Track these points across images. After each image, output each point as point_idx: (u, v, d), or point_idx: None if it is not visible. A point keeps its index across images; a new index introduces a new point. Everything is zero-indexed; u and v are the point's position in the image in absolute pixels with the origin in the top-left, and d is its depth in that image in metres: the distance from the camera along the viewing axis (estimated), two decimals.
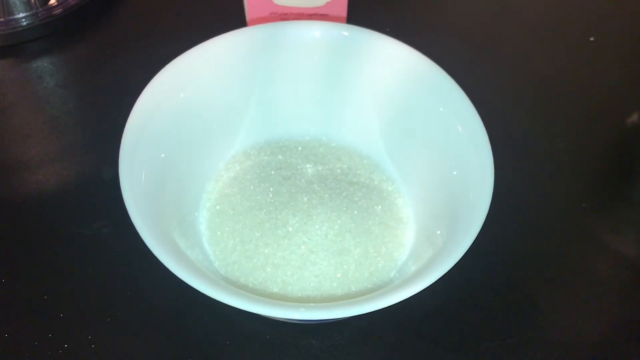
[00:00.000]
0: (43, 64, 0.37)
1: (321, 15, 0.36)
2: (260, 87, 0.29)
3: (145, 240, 0.21)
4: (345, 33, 0.28)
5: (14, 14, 0.38)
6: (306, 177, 0.29)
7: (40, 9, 0.38)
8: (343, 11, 0.35)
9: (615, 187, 0.33)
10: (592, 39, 0.40)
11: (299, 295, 0.25)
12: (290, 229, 0.26)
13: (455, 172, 0.25)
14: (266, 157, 0.30)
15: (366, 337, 0.26)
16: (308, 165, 0.29)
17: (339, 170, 0.29)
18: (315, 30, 0.28)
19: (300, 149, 0.30)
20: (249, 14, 0.35)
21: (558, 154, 0.34)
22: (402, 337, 0.26)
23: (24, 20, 0.37)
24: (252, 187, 0.28)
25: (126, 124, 0.24)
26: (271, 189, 0.28)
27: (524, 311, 0.28)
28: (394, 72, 0.28)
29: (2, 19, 0.37)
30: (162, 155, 0.25)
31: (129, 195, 0.22)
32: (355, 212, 0.27)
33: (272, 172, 0.29)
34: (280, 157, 0.30)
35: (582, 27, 0.41)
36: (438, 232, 0.25)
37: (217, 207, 0.28)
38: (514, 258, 0.29)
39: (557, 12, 0.42)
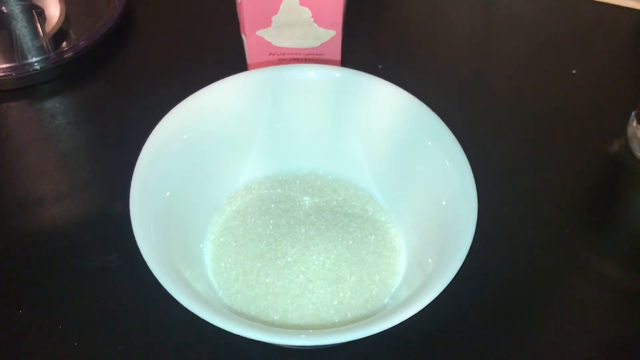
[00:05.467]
0: (55, 105, 0.39)
1: (316, 55, 0.38)
2: (260, 126, 0.31)
3: (155, 274, 0.23)
4: (338, 75, 0.30)
5: (27, 59, 0.40)
6: (304, 209, 0.31)
7: (52, 53, 0.40)
8: (337, 52, 0.38)
9: (598, 213, 0.35)
10: (574, 71, 0.42)
11: (299, 322, 0.27)
12: (289, 259, 0.28)
13: (443, 202, 0.27)
14: (266, 191, 0.32)
15: None
16: (306, 198, 0.31)
17: (334, 202, 0.31)
18: (312, 73, 0.30)
19: (298, 182, 0.32)
20: (249, 57, 0.38)
21: (541, 183, 0.36)
22: (398, 359, 0.28)
23: (36, 64, 0.40)
24: (253, 219, 0.30)
25: (136, 164, 0.26)
26: (271, 221, 0.30)
27: (512, 332, 0.29)
28: (384, 110, 0.30)
29: (17, 63, 0.40)
30: (168, 194, 0.27)
31: (140, 231, 0.24)
32: (351, 242, 0.29)
33: (272, 205, 0.31)
34: (279, 190, 0.32)
35: (565, 61, 0.43)
36: (429, 260, 0.27)
37: (221, 240, 0.30)
38: (502, 282, 0.31)
39: (541, 47, 0.44)
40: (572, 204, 0.35)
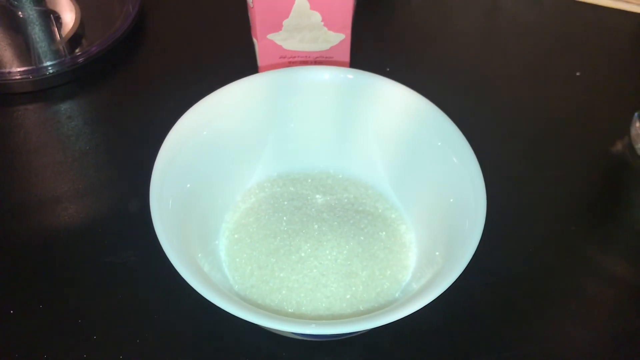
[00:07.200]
0: (71, 107, 0.40)
1: (326, 58, 0.39)
2: (273, 126, 0.32)
3: (174, 264, 0.24)
4: (350, 76, 0.31)
5: (43, 62, 0.41)
6: (316, 206, 0.31)
7: (68, 57, 0.41)
8: (346, 55, 0.39)
9: (602, 211, 0.36)
10: (578, 73, 0.43)
11: (312, 315, 0.28)
12: (302, 254, 0.29)
13: (451, 200, 0.28)
14: (279, 189, 0.33)
15: (374, 353, 0.29)
16: (317, 196, 0.32)
17: (346, 200, 0.32)
18: (324, 75, 0.31)
19: (310, 181, 0.33)
20: (260, 61, 0.39)
21: (548, 181, 0.36)
22: (408, 352, 0.29)
23: (52, 67, 0.41)
24: (266, 216, 0.31)
25: (157, 158, 0.27)
26: (284, 218, 0.31)
27: (519, 326, 0.30)
28: (394, 110, 0.31)
29: (34, 67, 0.41)
30: (188, 186, 0.28)
31: (159, 222, 0.25)
32: (362, 238, 0.30)
33: (285, 203, 0.32)
34: (292, 188, 0.33)
35: (569, 63, 0.44)
36: (438, 256, 0.27)
37: (236, 236, 0.31)
38: (509, 278, 0.32)
39: (546, 50, 0.45)
40: (577, 203, 0.36)
